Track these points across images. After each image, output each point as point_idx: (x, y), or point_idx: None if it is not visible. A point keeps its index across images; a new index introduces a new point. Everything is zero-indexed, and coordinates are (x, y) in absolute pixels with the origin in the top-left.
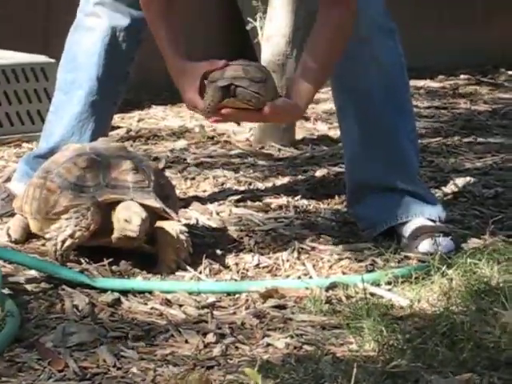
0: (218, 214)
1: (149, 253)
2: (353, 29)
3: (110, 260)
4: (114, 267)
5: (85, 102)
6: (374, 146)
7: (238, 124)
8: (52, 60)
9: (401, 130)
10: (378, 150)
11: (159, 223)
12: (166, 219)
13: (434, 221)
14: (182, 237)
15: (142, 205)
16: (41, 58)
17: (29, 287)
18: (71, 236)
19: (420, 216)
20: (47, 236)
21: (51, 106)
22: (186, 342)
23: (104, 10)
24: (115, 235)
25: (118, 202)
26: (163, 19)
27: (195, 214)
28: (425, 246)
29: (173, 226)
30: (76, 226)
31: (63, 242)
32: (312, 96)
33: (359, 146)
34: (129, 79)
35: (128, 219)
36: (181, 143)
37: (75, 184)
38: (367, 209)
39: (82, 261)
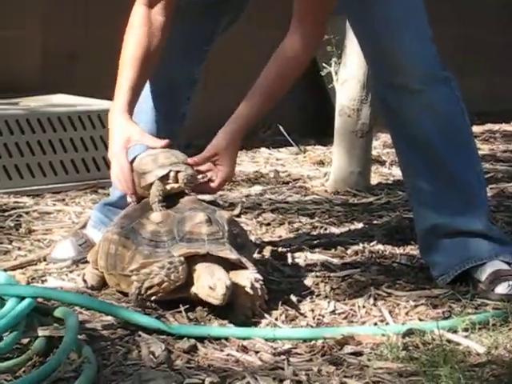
0: (293, 259)
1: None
2: (309, 55)
3: (186, 307)
4: (190, 314)
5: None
6: (441, 192)
7: None
8: None
9: (469, 172)
10: (446, 195)
11: (234, 272)
12: (241, 268)
13: (508, 263)
14: (257, 285)
15: (218, 257)
16: None
17: (105, 333)
18: (158, 284)
19: (494, 258)
20: (134, 278)
21: None
22: None
23: None
24: (199, 296)
25: (194, 256)
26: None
27: (270, 260)
28: (501, 290)
29: (247, 275)
30: (166, 276)
31: (148, 288)
32: (247, 123)
33: (425, 192)
34: (185, 121)
35: (212, 286)
36: (256, 189)
37: (150, 239)
38: (439, 254)
39: (159, 307)
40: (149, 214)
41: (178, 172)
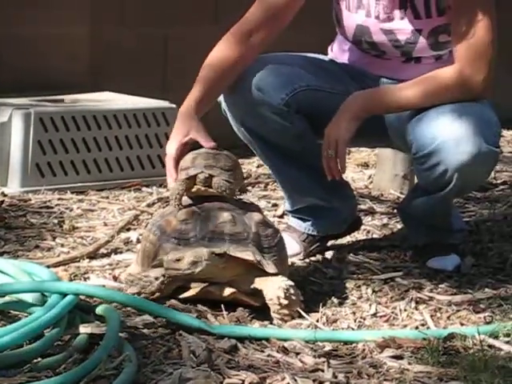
0: (335, 261)
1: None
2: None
3: (227, 307)
4: (231, 314)
5: None
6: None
7: None
8: (173, 105)
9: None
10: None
11: (264, 279)
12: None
13: None
14: (292, 291)
15: (236, 257)
16: (161, 103)
17: (146, 332)
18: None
19: None
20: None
21: None
22: None
23: None
24: None
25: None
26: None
27: (312, 262)
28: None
29: (278, 284)
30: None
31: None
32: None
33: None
34: None
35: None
36: None
37: (173, 237)
38: None
39: (200, 307)
40: (176, 212)
41: (212, 176)
